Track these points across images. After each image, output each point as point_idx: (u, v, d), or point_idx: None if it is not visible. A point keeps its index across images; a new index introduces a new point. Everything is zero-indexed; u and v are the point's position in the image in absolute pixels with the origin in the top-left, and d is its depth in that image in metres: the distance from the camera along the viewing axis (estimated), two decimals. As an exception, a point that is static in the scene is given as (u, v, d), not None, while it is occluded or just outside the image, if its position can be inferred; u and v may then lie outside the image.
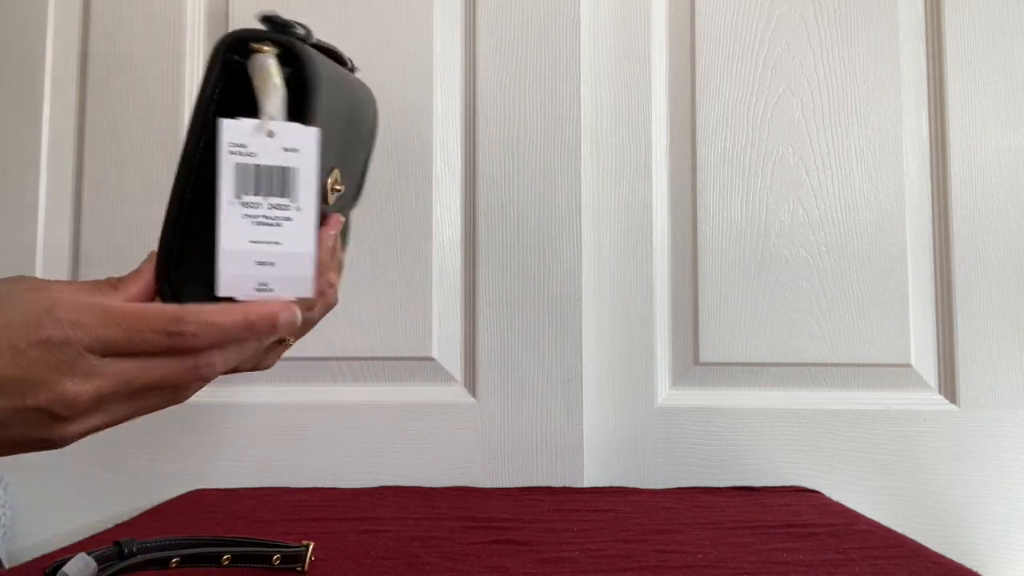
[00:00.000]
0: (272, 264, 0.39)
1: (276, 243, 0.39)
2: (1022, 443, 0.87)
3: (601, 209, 0.92)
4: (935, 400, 0.89)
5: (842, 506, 0.78)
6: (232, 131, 0.38)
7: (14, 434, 0.35)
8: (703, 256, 0.92)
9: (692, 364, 0.91)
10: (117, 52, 0.93)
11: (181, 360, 0.37)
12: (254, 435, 0.90)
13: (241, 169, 0.38)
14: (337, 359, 0.90)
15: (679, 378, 0.92)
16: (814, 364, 0.90)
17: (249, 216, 0.38)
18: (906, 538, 0.64)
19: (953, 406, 0.89)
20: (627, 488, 0.87)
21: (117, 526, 0.70)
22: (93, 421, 0.36)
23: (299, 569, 0.53)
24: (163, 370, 0.37)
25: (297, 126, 0.39)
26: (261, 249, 0.38)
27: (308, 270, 0.40)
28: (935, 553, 0.59)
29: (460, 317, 0.91)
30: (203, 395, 0.90)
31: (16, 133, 0.93)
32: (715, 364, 0.91)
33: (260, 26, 0.42)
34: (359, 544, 0.61)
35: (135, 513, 0.77)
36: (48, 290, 0.36)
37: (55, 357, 0.34)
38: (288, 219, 0.39)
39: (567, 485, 0.87)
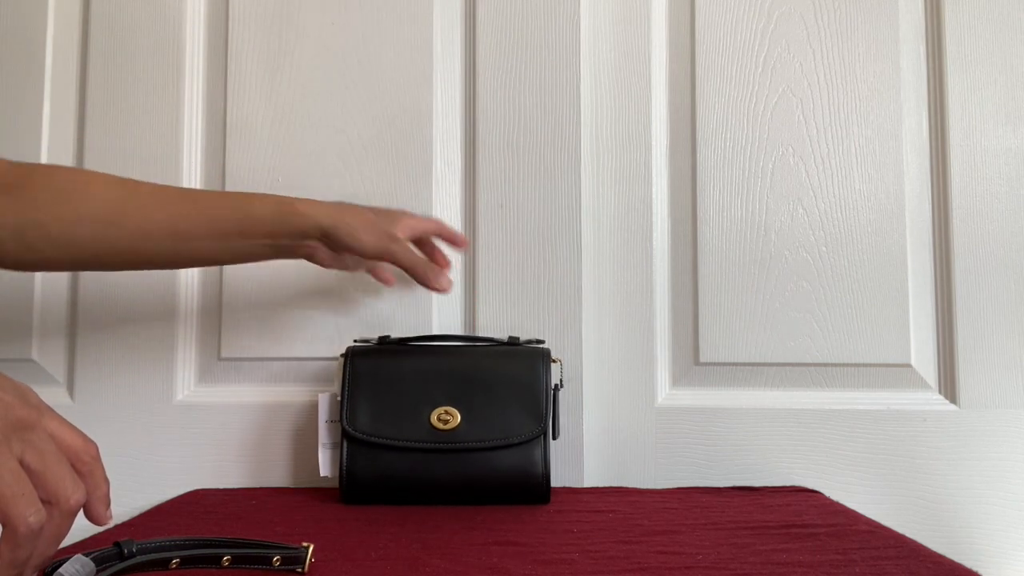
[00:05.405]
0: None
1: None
2: (1022, 443, 0.87)
3: (601, 209, 0.92)
4: (935, 400, 0.89)
5: (842, 506, 0.78)
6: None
7: None
8: (703, 256, 0.91)
9: (692, 364, 0.91)
10: (118, 48, 0.93)
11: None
12: (254, 435, 0.90)
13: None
14: (337, 359, 0.90)
15: (679, 378, 0.92)
16: (814, 364, 0.90)
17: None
18: (906, 538, 0.64)
19: (953, 406, 0.89)
20: (627, 488, 0.87)
21: (117, 526, 0.70)
22: None
23: (299, 570, 0.53)
24: None
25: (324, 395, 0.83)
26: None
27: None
28: (935, 553, 0.59)
29: (460, 316, 0.91)
30: (203, 395, 0.91)
31: (16, 134, 0.93)
32: (715, 364, 0.91)
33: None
34: (359, 544, 0.61)
35: (135, 513, 0.77)
36: None
37: None
38: None
39: (567, 485, 0.87)
